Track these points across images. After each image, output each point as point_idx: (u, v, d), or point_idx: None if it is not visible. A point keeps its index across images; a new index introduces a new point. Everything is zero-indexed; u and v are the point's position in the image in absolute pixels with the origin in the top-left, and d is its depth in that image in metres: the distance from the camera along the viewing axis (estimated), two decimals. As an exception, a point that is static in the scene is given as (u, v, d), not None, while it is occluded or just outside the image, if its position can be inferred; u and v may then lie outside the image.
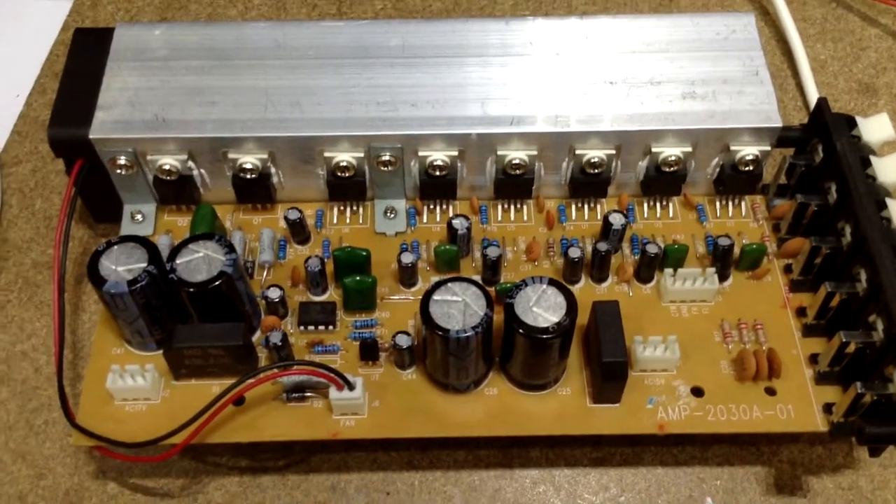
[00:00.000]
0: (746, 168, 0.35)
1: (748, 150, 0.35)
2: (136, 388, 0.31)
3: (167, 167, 0.34)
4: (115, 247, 0.31)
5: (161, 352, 0.32)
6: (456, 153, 0.35)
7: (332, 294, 0.34)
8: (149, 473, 0.34)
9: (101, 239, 0.39)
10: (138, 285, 0.30)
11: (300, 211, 0.35)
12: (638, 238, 0.36)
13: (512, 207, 0.37)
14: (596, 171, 0.35)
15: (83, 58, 0.36)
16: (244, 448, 0.34)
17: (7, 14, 0.49)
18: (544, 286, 0.31)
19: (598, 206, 0.37)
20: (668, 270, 0.34)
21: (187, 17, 0.47)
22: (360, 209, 0.37)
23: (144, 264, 0.31)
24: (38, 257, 0.39)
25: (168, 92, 0.35)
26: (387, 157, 0.35)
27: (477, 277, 0.34)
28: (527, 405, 0.32)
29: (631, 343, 0.32)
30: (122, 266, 0.31)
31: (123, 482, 0.34)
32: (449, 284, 0.31)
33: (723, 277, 0.35)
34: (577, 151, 0.35)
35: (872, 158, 0.34)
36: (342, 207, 0.37)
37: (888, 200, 0.32)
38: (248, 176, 0.35)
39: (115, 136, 0.34)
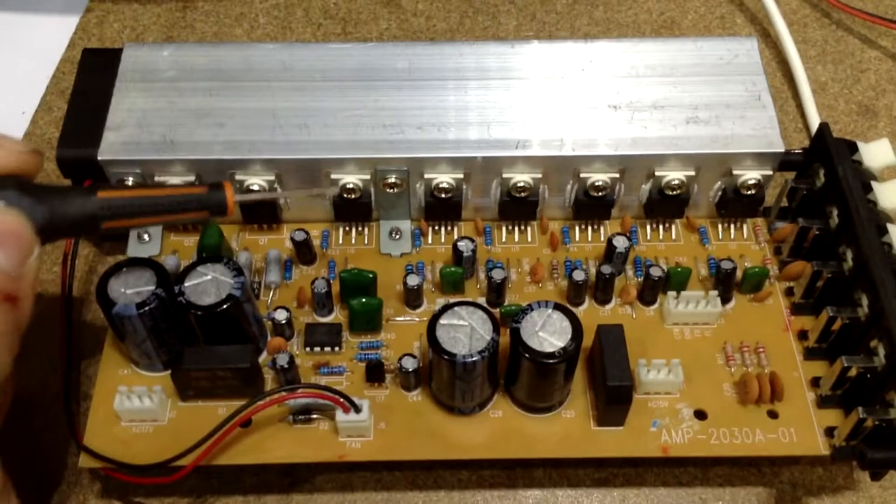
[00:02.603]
0: (748, 192, 0.35)
1: (750, 175, 0.35)
2: (143, 409, 0.32)
3: (175, 189, 0.34)
4: (124, 269, 0.31)
5: (168, 372, 0.32)
6: (461, 175, 0.35)
7: (337, 315, 0.35)
8: (153, 493, 0.34)
9: (106, 257, 0.39)
10: (147, 308, 0.30)
11: (306, 232, 0.35)
12: (641, 261, 0.36)
13: (516, 229, 0.37)
14: (599, 193, 0.35)
15: (91, 78, 0.36)
16: (249, 468, 0.34)
17: (13, 31, 0.48)
18: (550, 311, 0.31)
19: (602, 228, 0.37)
20: (671, 293, 0.34)
21: (193, 36, 0.47)
22: (366, 230, 0.37)
23: (153, 287, 0.31)
24: (43, 275, 0.39)
25: (176, 113, 0.35)
26: (393, 180, 0.35)
27: (481, 299, 0.34)
28: (531, 428, 0.32)
29: (635, 366, 0.32)
30: (130, 288, 0.31)
31: (129, 501, 0.34)
32: (455, 308, 0.31)
33: (725, 300, 0.35)
34: (581, 175, 0.35)
35: (873, 184, 0.34)
36: (347, 228, 0.37)
37: (889, 226, 0.32)
38: (255, 197, 0.35)
39: (123, 157, 0.34)
